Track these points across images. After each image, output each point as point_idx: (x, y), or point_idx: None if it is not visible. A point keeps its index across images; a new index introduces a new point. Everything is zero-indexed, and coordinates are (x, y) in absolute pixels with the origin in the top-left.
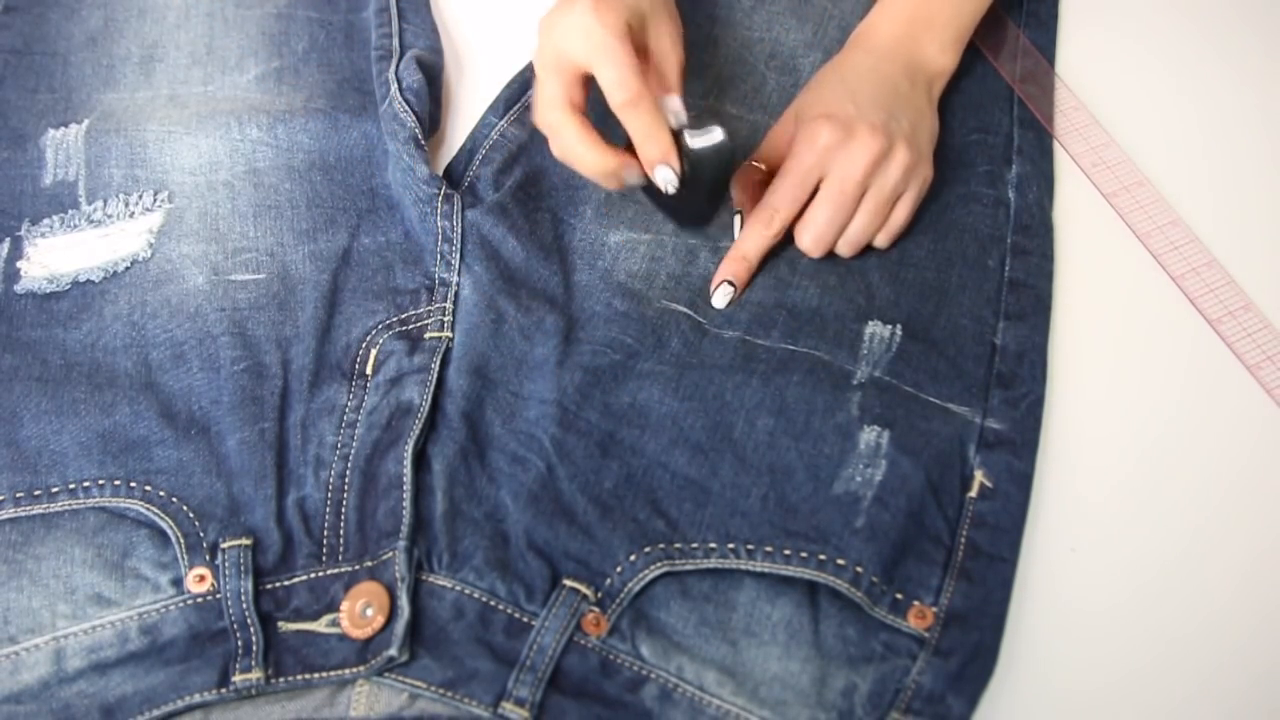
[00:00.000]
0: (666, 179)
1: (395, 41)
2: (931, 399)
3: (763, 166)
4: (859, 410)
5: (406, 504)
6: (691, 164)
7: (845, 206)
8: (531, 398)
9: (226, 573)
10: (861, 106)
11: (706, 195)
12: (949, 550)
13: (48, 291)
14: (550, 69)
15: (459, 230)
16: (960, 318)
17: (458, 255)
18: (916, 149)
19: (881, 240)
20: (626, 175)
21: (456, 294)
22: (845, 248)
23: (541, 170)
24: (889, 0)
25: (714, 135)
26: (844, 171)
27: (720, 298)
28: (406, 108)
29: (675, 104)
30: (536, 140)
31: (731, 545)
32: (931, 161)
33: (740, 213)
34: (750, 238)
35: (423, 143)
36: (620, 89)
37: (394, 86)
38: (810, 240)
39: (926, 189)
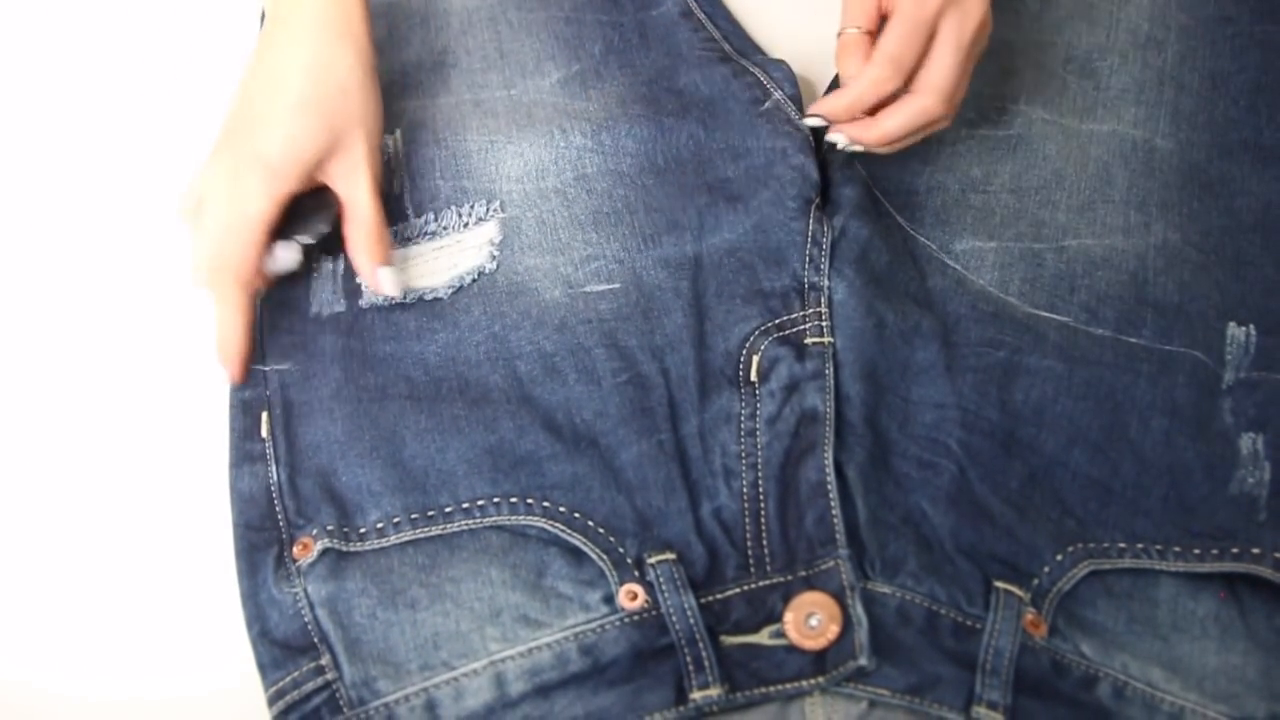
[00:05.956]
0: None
1: (726, 46)
2: None
3: (858, 29)
4: (1232, 416)
5: (836, 511)
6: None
7: (965, 64)
8: (923, 402)
9: (663, 589)
10: None
11: None
12: None
13: (391, 304)
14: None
15: (828, 233)
16: None
17: (827, 259)
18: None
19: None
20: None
21: (830, 298)
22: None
23: (874, 176)
24: None
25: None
26: (961, 26)
27: (832, 136)
28: (795, 109)
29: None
30: None
31: (1141, 545)
32: None
33: (819, 116)
34: (866, 88)
35: (814, 145)
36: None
37: (777, 91)
38: (938, 99)
39: None
